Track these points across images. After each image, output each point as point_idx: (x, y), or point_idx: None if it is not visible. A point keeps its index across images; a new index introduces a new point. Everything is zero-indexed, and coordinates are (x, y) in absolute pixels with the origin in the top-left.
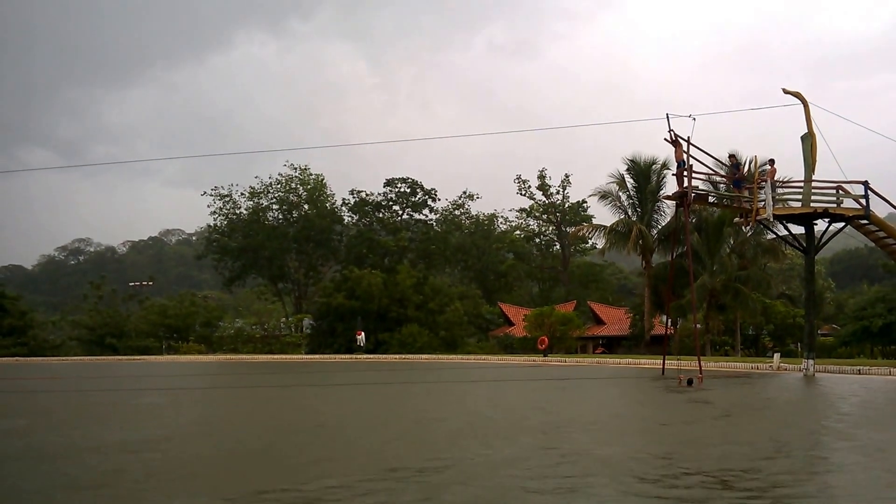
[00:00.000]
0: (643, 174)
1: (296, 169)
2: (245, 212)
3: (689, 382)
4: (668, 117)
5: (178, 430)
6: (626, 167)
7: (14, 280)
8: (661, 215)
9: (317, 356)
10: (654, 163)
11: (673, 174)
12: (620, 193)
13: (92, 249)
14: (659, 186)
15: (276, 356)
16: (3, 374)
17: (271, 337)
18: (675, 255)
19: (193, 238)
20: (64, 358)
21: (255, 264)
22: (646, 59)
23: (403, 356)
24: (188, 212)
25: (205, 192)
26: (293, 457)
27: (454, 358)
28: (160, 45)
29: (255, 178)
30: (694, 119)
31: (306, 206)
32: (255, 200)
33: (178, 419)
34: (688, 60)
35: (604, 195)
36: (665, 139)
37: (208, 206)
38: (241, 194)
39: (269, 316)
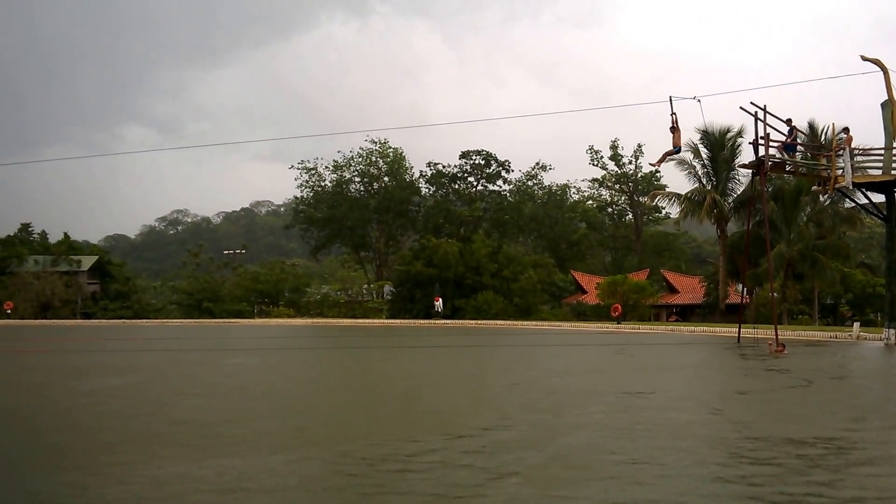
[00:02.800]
0: (717, 143)
1: (375, 143)
2: (329, 184)
3: (783, 347)
4: (671, 100)
5: (267, 390)
6: (698, 136)
7: (119, 249)
8: (737, 183)
9: (397, 321)
10: (728, 131)
11: (749, 143)
12: (694, 162)
13: (189, 220)
14: (733, 155)
15: (359, 320)
16: (113, 335)
17: (354, 302)
18: (750, 223)
19: (282, 209)
20: (165, 321)
21: (338, 234)
22: (715, 27)
23: (479, 322)
24: (277, 184)
25: (292, 166)
26: (379, 416)
27: (528, 324)
28: (249, 26)
29: (338, 151)
30: (699, 101)
31: (386, 179)
32: (339, 173)
33: (269, 378)
34: (759, 28)
35: (679, 161)
36: (672, 127)
37: (295, 179)
38: (326, 167)
39: (352, 282)
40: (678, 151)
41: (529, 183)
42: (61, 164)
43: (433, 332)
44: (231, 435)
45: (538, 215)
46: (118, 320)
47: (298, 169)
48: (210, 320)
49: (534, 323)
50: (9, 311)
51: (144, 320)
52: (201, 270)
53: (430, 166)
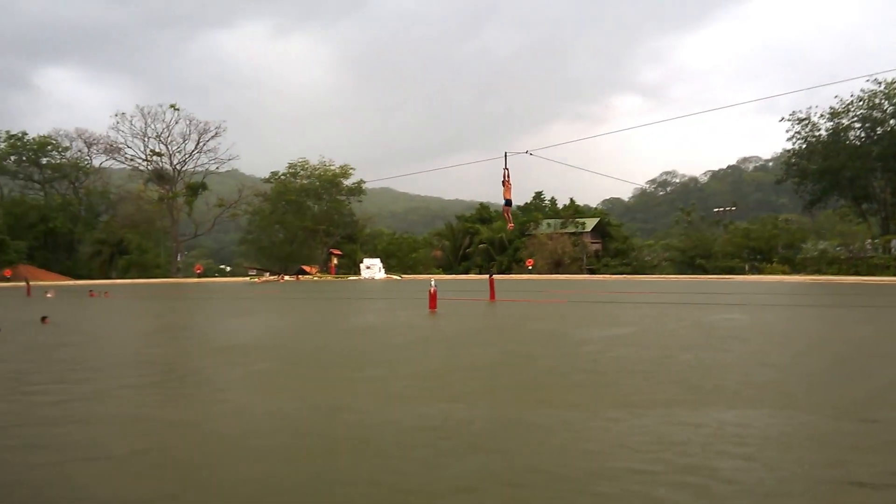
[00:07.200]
0: None
1: (880, 84)
2: (825, 133)
3: None
4: (505, 155)
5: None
6: None
7: (614, 211)
8: None
9: None
10: None
11: None
12: None
13: (677, 181)
14: None
15: (863, 278)
16: (616, 288)
17: (857, 258)
18: None
19: (770, 164)
20: (660, 276)
21: (836, 186)
22: None
23: None
24: (765, 138)
25: (782, 118)
26: None
27: None
28: None
29: (835, 97)
30: (531, 154)
31: (892, 122)
32: (836, 121)
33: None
34: None
35: None
36: (503, 181)
37: (786, 132)
38: (821, 116)
39: (853, 237)
40: (509, 205)
41: None
42: (562, 137)
43: None
44: (727, 389)
45: None
46: (619, 276)
47: (790, 121)
48: (703, 276)
49: None
50: (530, 267)
51: (642, 276)
52: (692, 228)
53: None
